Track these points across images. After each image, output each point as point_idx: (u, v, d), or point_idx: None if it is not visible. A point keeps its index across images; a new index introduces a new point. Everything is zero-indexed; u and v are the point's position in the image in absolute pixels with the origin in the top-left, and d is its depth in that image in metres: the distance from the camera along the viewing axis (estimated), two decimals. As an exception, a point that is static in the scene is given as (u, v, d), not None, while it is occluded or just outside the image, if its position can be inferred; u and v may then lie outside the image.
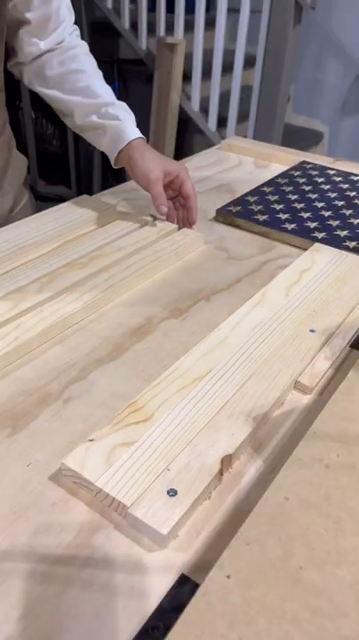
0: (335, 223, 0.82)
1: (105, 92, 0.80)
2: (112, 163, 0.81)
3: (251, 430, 0.45)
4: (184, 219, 0.81)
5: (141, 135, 0.79)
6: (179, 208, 0.82)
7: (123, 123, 0.78)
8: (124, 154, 0.78)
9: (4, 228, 0.77)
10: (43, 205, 0.96)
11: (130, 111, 0.81)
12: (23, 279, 0.64)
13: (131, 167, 0.78)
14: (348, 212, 0.86)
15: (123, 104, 0.81)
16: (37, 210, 0.95)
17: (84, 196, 0.88)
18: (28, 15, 0.76)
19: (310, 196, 0.92)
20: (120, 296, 0.65)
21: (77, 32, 0.84)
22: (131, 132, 0.78)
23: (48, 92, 0.82)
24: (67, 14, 0.81)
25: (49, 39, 0.79)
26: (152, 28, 2.32)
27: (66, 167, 2.78)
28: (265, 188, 0.93)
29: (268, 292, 0.64)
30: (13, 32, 0.78)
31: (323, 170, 1.03)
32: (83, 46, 0.83)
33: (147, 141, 0.82)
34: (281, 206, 0.87)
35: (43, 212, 0.83)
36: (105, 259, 0.69)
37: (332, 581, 0.32)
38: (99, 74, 0.82)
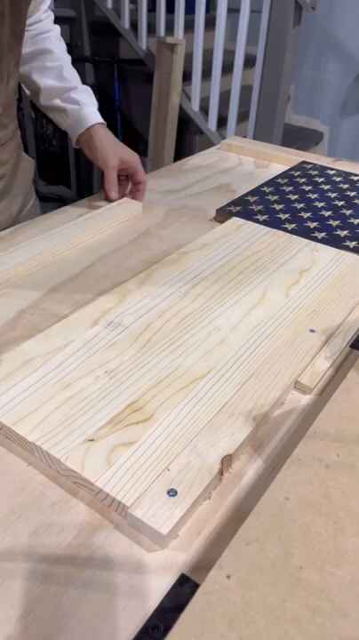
0: (335, 223, 0.82)
1: (70, 75, 0.84)
2: (73, 143, 0.87)
3: (251, 430, 0.45)
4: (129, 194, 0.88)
5: (101, 121, 0.84)
6: (124, 184, 0.89)
7: (83, 108, 0.83)
8: (84, 137, 0.84)
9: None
10: (43, 206, 0.96)
11: (92, 96, 0.85)
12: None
13: (90, 150, 0.84)
14: (348, 212, 0.86)
15: (87, 88, 0.85)
16: (41, 209, 0.96)
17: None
18: None
19: (310, 195, 0.92)
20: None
21: (52, 17, 0.87)
22: (91, 117, 0.83)
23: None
24: None
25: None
26: (152, 28, 2.32)
27: (66, 167, 2.77)
28: (265, 188, 0.93)
29: (268, 292, 0.64)
30: None
31: (323, 170, 1.03)
32: (57, 29, 0.86)
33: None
34: (281, 206, 0.87)
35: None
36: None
37: (332, 581, 0.32)
38: (68, 58, 0.86)
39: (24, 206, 0.91)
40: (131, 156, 0.85)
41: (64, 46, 0.88)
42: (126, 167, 0.86)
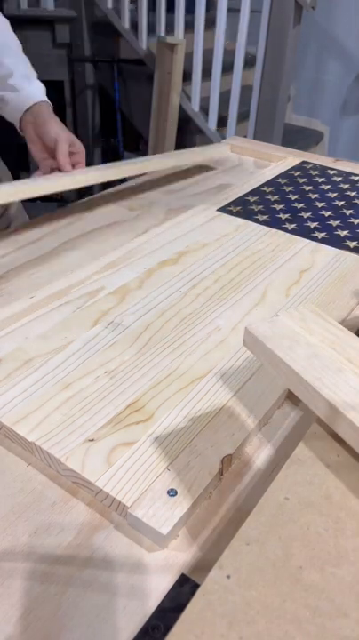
0: (335, 223, 0.82)
1: (8, 61, 0.80)
2: (18, 130, 0.84)
3: (251, 430, 0.45)
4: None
5: (44, 99, 0.82)
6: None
7: (21, 93, 0.80)
8: (27, 120, 0.82)
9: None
10: (43, 205, 0.96)
11: (31, 79, 0.82)
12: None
13: (36, 128, 0.81)
14: (348, 212, 0.86)
15: (26, 72, 0.82)
16: (35, 209, 0.95)
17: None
18: None
19: (310, 195, 0.92)
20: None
21: None
22: (31, 98, 0.81)
23: None
24: None
25: None
26: (152, 28, 2.32)
27: (66, 167, 2.77)
28: (265, 188, 0.93)
29: (268, 292, 0.64)
30: None
31: (323, 170, 1.03)
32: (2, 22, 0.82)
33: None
34: (281, 206, 0.87)
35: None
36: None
37: (332, 581, 0.32)
38: (7, 39, 0.82)
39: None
40: (77, 139, 0.83)
41: (5, 31, 0.82)
42: (73, 149, 0.83)
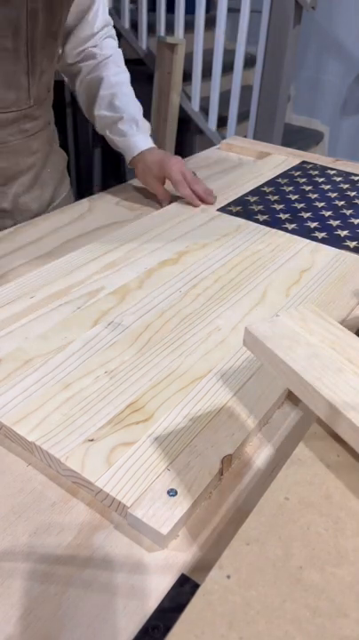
0: (335, 223, 0.82)
1: (121, 103, 0.88)
2: (128, 164, 0.92)
3: (251, 430, 0.45)
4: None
5: (147, 147, 0.88)
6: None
7: (128, 139, 0.88)
8: (136, 166, 0.90)
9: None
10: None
11: (138, 123, 0.89)
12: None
13: (141, 178, 0.91)
14: (349, 212, 0.86)
15: (134, 115, 0.88)
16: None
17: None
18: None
19: (310, 195, 0.92)
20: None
21: (112, 41, 0.91)
22: (137, 147, 0.88)
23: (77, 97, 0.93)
24: (101, 21, 0.87)
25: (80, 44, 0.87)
26: (152, 28, 2.32)
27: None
28: (265, 188, 0.93)
29: (268, 292, 0.64)
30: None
31: (323, 170, 1.03)
32: (116, 54, 0.91)
33: None
34: (281, 206, 0.87)
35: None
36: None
37: (332, 581, 0.32)
38: (123, 83, 0.90)
39: (55, 197, 0.93)
40: (174, 171, 0.87)
41: (120, 70, 0.90)
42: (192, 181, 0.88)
